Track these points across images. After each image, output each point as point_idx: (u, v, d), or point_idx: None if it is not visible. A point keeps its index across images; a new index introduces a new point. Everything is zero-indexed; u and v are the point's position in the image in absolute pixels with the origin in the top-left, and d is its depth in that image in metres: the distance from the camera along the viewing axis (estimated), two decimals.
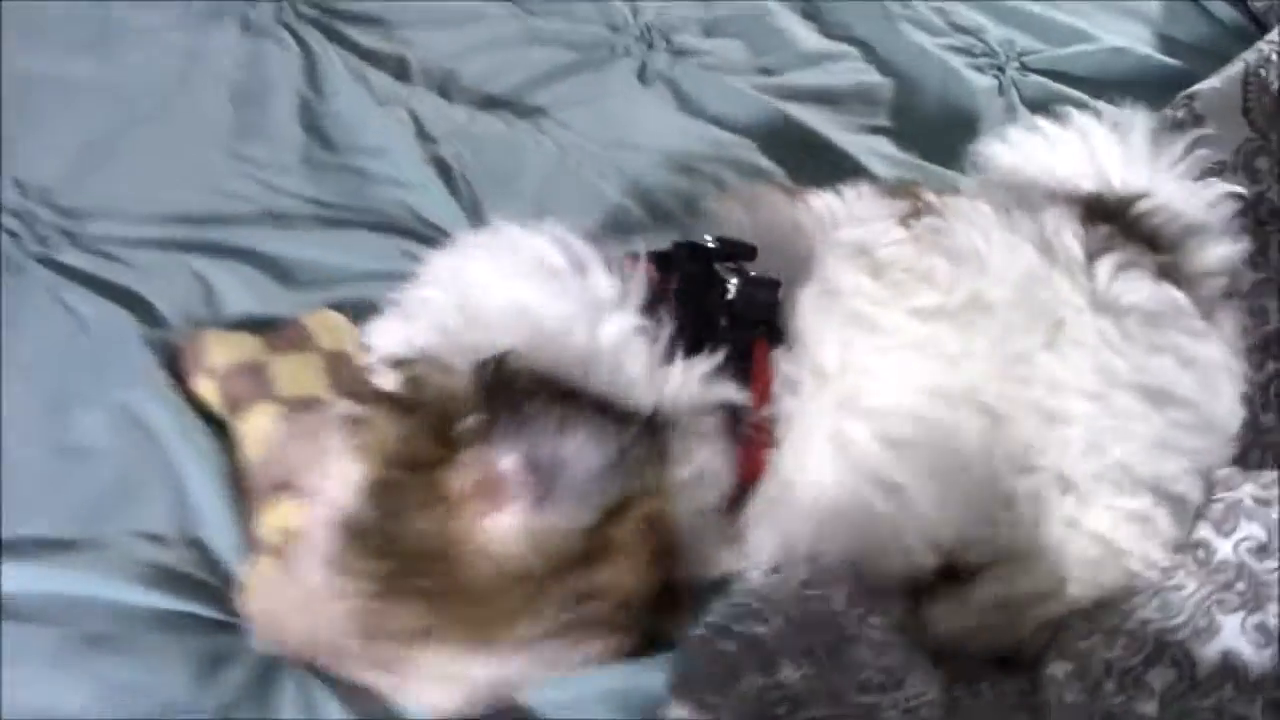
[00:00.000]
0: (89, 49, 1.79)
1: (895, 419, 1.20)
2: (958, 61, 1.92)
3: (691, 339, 1.16)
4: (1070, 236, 1.26)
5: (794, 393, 1.20)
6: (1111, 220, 1.31)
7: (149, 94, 1.73)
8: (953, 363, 1.21)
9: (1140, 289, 1.25)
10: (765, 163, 1.72)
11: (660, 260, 1.24)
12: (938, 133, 1.83)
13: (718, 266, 1.23)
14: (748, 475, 1.20)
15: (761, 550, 1.22)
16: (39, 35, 1.80)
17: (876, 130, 1.83)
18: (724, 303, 1.21)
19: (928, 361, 1.21)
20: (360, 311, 1.35)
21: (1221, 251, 1.35)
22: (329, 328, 1.39)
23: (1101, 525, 1.22)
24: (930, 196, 1.32)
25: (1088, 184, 1.38)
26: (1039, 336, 1.22)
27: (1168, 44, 2.00)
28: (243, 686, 1.13)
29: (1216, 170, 1.41)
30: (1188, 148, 1.39)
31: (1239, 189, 1.40)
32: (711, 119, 1.80)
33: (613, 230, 1.57)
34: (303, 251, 1.54)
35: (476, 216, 1.59)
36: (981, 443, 1.21)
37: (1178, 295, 1.27)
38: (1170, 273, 1.29)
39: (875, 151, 1.77)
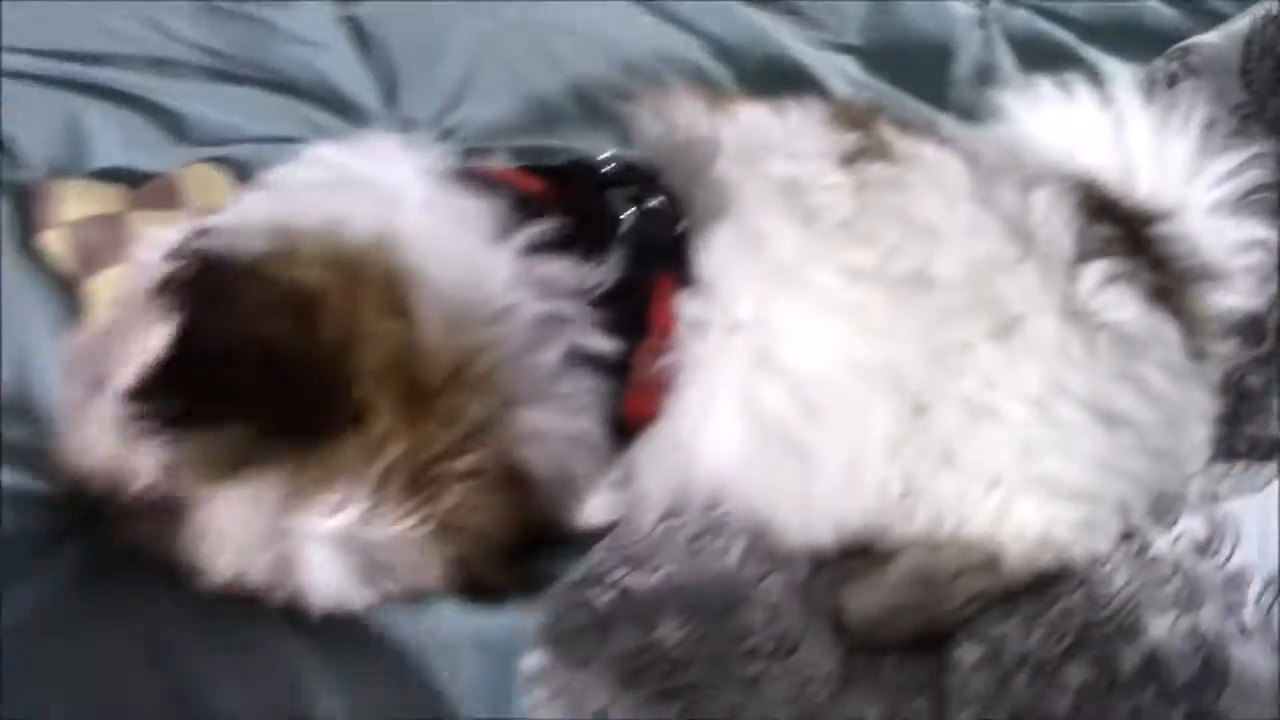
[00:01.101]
0: None
1: (812, 384, 1.14)
2: None
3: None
4: (1064, 228, 1.17)
5: (701, 339, 1.14)
6: (1121, 225, 1.21)
7: None
8: (877, 335, 1.14)
9: (1126, 307, 1.17)
10: (714, 67, 1.66)
11: (552, 175, 1.18)
12: (909, 59, 1.77)
13: (611, 194, 1.17)
14: (638, 417, 1.14)
15: (650, 498, 1.17)
16: None
17: (844, 48, 1.76)
18: (617, 235, 1.14)
19: (850, 330, 1.14)
20: (244, 175, 1.30)
21: (1232, 303, 1.26)
22: (203, 185, 1.34)
23: (1036, 524, 1.16)
24: (890, 135, 1.21)
25: (1110, 177, 1.26)
26: (983, 326, 1.14)
27: None
28: (73, 571, 1.08)
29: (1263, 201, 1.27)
30: (1232, 171, 1.26)
31: (1272, 235, 1.27)
32: (664, 15, 1.73)
33: (533, 122, 1.51)
34: (190, 104, 1.49)
35: (389, 90, 1.52)
36: (894, 428, 1.14)
37: (1166, 324, 1.19)
38: (1168, 300, 1.20)
39: (840, 71, 1.71)
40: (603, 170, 1.19)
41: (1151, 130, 1.26)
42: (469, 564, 1.06)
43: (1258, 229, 1.25)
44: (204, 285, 1.03)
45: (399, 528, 1.02)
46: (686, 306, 1.14)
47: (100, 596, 1.06)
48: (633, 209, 1.15)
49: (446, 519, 1.03)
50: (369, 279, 1.03)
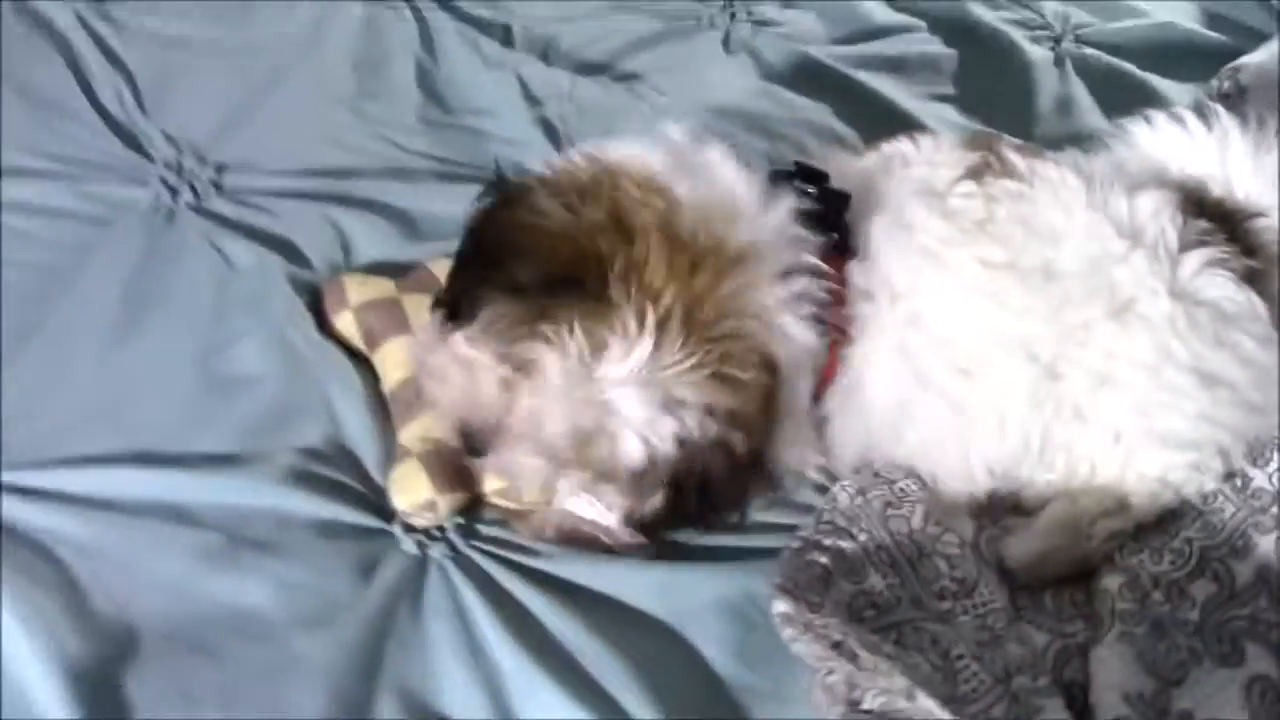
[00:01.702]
0: (225, 17, 1.96)
1: (959, 349, 1.35)
2: (1017, 34, 2.06)
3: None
4: (1169, 223, 1.36)
5: (870, 303, 1.36)
6: (1221, 222, 1.40)
7: (280, 58, 1.90)
8: (1013, 314, 1.34)
9: (1222, 287, 1.35)
10: (840, 126, 1.86)
11: None
12: (999, 101, 1.97)
13: (798, 183, 1.38)
14: (827, 369, 1.36)
15: (841, 444, 1.39)
16: (175, 2, 1.96)
17: (942, 98, 1.96)
18: (803, 211, 1.35)
19: (990, 308, 1.34)
20: None
21: None
22: None
23: (1155, 470, 1.36)
24: (1014, 157, 1.42)
25: (1215, 186, 1.45)
26: (1102, 308, 1.34)
27: (1212, 19, 2.14)
28: (396, 584, 1.30)
29: None
30: None
31: None
32: (790, 85, 1.94)
33: None
34: (425, 203, 1.69)
35: None
36: (1032, 390, 1.35)
37: (1256, 300, 1.37)
38: (1259, 282, 1.38)
39: (942, 118, 1.91)
40: (786, 170, 1.41)
41: (1248, 147, 1.45)
42: (740, 419, 1.26)
43: None
44: (491, 204, 1.30)
45: (682, 366, 1.22)
46: (856, 275, 1.36)
47: (421, 618, 1.28)
48: (813, 189, 1.37)
49: (718, 367, 1.24)
50: (630, 171, 1.29)
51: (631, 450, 1.25)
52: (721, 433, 1.26)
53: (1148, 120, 1.53)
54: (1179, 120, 1.50)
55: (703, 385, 1.24)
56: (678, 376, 1.23)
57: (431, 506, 1.35)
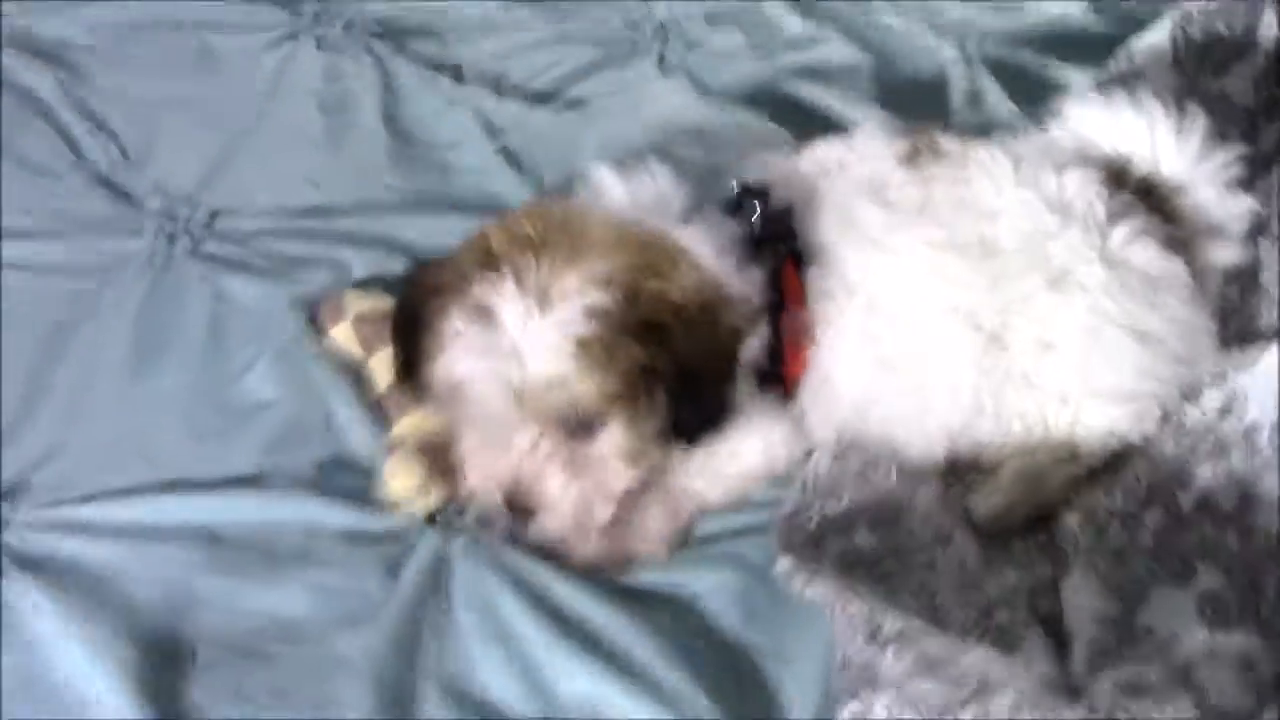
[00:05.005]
0: (193, 74, 2.02)
1: (911, 328, 1.42)
2: (927, 37, 2.14)
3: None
4: (1096, 199, 1.44)
5: (830, 301, 1.43)
6: (1144, 195, 1.48)
7: (250, 108, 1.96)
8: (956, 287, 1.41)
9: (1148, 254, 1.43)
10: (779, 132, 1.92)
11: None
12: (914, 98, 2.04)
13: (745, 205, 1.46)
14: (795, 367, 1.43)
15: (817, 434, 1.45)
16: (147, 63, 2.02)
17: (865, 100, 2.02)
18: (751, 233, 1.43)
19: (935, 282, 1.41)
20: None
21: (1230, 255, 1.54)
22: None
23: (1102, 423, 1.44)
24: (945, 141, 1.49)
25: (1141, 162, 1.52)
26: (1040, 279, 1.41)
27: (1099, 7, 2.22)
28: (424, 580, 1.36)
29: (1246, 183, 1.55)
30: (1229, 160, 1.52)
31: (1258, 206, 1.56)
32: (725, 98, 2.01)
33: None
34: (405, 231, 1.75)
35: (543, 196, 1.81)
36: (980, 357, 1.42)
37: (1179, 266, 1.45)
38: (1180, 249, 1.46)
39: (866, 118, 1.93)
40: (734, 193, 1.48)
41: (1171, 128, 1.52)
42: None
43: (1250, 201, 1.53)
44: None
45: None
46: (813, 278, 1.43)
47: (450, 609, 1.33)
48: (758, 212, 1.44)
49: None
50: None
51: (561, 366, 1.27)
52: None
53: (1082, 101, 1.60)
54: (1111, 102, 1.57)
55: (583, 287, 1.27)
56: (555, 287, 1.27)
57: (424, 492, 1.40)
